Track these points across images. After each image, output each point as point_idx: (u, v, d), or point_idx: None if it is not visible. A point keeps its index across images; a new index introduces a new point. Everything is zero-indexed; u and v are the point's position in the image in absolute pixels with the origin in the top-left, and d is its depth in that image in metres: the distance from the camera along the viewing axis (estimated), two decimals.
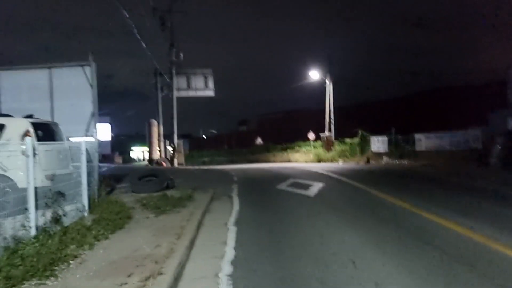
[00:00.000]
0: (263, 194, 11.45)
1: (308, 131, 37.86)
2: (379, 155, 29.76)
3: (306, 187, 12.22)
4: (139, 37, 26.92)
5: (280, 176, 16.74)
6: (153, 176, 10.86)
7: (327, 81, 35.22)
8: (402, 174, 17.82)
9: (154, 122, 33.68)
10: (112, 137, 59.76)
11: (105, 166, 24.98)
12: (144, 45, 27.59)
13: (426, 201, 9.14)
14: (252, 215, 8.39)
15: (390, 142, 29.28)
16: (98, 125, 37.37)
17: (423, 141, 26.02)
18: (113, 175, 15.12)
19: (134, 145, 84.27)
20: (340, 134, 35.01)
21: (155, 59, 33.34)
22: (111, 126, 46.27)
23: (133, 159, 77.80)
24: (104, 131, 44.93)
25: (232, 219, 8.00)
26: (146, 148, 35.39)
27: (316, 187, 12.17)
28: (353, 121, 34.51)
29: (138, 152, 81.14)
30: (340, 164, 28.54)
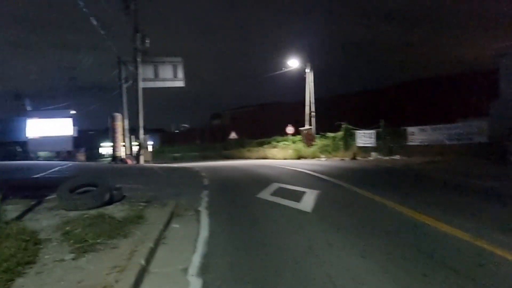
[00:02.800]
0: (242, 207, 8.61)
1: (286, 125, 35.28)
2: (365, 150, 27.37)
3: (297, 196, 9.46)
4: (95, 22, 23.76)
5: (260, 179, 13.94)
6: (91, 186, 7.89)
7: (307, 70, 32.56)
8: (403, 174, 15.26)
9: (118, 115, 30.31)
10: (79, 132, 56.00)
11: (57, 166, 21.69)
12: (101, 31, 24.42)
13: (460, 216, 6.54)
14: (227, 249, 5.57)
15: (377, 136, 26.88)
16: (58, 120, 33.78)
17: (417, 135, 23.65)
18: (51, 181, 12.05)
19: (103, 141, 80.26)
20: (321, 129, 32.52)
21: (118, 47, 30.07)
22: (73, 121, 42.37)
23: (102, 155, 73.90)
24: (64, 126, 41.20)
25: (197, 258, 5.18)
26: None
27: (309, 196, 9.41)
28: (335, 114, 32.03)
29: (108, 148, 77.19)
30: (323, 161, 25.98)
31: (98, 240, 5.56)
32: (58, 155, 45.56)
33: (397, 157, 24.20)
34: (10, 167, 21.78)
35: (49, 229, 6.18)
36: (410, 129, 24.33)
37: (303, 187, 10.92)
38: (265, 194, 9.97)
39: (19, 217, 6.86)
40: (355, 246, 5.36)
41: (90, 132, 72.86)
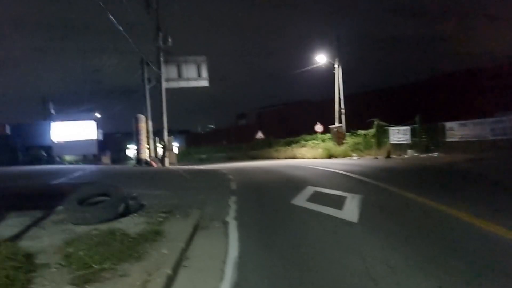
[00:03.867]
0: (276, 218, 7.48)
1: (314, 123, 33.98)
2: (400, 148, 25.88)
3: (337, 202, 8.28)
4: (114, 20, 23.05)
5: (292, 182, 12.81)
6: (103, 195, 6.92)
7: (335, 65, 31.18)
8: (451, 173, 13.85)
9: (142, 117, 29.64)
10: (105, 135, 56.01)
11: (80, 170, 21.09)
12: (121, 29, 23.69)
13: None
14: (262, 274, 4.46)
15: (412, 133, 25.36)
16: (82, 123, 33.40)
17: (456, 130, 22.06)
18: (68, 188, 11.21)
19: (129, 143, 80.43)
20: (352, 126, 31.09)
21: (141, 47, 29.37)
22: (97, 124, 42.05)
23: (129, 157, 74.08)
24: (88, 130, 40.91)
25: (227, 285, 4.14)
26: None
27: (352, 202, 8.21)
28: (366, 111, 30.56)
29: (134, 151, 77.36)
30: (356, 160, 24.62)
31: (105, 265, 4.54)
32: (85, 159, 45.49)
33: (435, 154, 22.70)
34: (32, 172, 21.30)
35: (50, 250, 5.20)
36: (449, 124, 22.76)
37: (342, 191, 9.72)
38: (301, 200, 8.82)
39: (19, 235, 5.92)
40: (425, 271, 4.18)
41: (117, 135, 72.98)
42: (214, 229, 6.76)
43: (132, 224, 6.48)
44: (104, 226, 6.26)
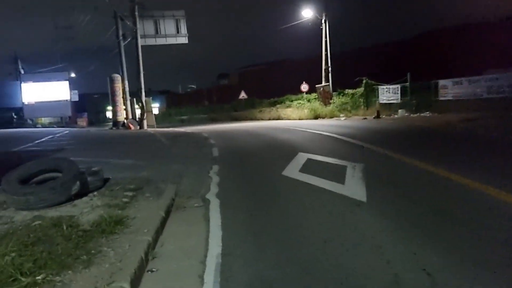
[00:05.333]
0: (265, 195, 6.24)
1: (299, 83, 32.58)
2: (389, 107, 24.82)
3: (337, 173, 7.10)
4: None
5: (281, 147, 11.62)
6: (53, 172, 5.60)
7: (322, 20, 29.51)
8: (450, 135, 12.80)
9: (117, 77, 27.85)
10: (82, 95, 53.80)
11: (50, 134, 19.51)
12: None
13: None
14: (253, 283, 3.29)
15: (402, 92, 24.23)
16: (54, 84, 31.41)
17: (450, 89, 20.96)
18: (28, 157, 9.82)
19: (108, 105, 78.04)
20: (338, 85, 29.78)
21: (115, 1, 27.23)
22: (71, 84, 39.85)
23: (108, 119, 72.03)
24: (61, 90, 38.75)
25: None
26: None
27: (353, 173, 7.04)
28: (354, 70, 29.20)
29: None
30: (343, 121, 23.53)
31: (38, 277, 3.30)
32: (62, 121, 43.61)
33: (427, 114, 21.70)
34: None
35: None
36: (442, 82, 21.63)
37: (339, 158, 8.55)
38: (293, 171, 7.62)
39: None
40: (478, 279, 3.04)
41: (95, 96, 70.49)
42: (192, 210, 5.56)
43: (88, 208, 5.20)
44: (51, 212, 4.98)
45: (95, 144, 14.98)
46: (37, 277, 3.30)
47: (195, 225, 4.89)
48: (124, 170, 8.25)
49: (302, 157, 9.05)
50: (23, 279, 3.26)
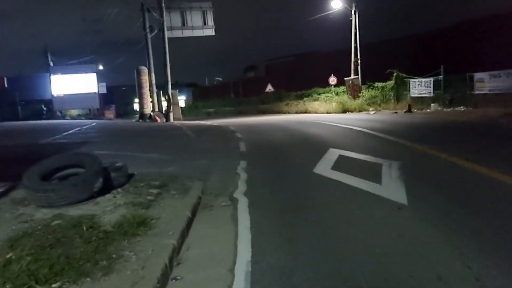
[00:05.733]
0: (296, 194, 5.84)
1: (327, 75, 31.93)
2: (421, 101, 24.01)
3: (372, 171, 6.68)
4: None
5: (310, 141, 11.21)
6: (76, 167, 5.38)
7: (352, 10, 28.75)
8: (496, 131, 12.11)
9: (144, 69, 27.83)
10: (111, 88, 54.38)
11: (78, 126, 19.59)
12: None
13: None
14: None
15: (435, 85, 23.38)
16: (82, 76, 31.76)
17: (487, 82, 20.04)
18: (55, 149, 9.73)
19: (136, 97, 78.65)
20: (368, 78, 29.03)
21: None
22: (99, 76, 40.18)
23: (136, 111, 72.76)
24: (89, 83, 39.10)
25: None
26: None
27: (390, 172, 6.59)
28: (383, 62, 28.35)
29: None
30: (373, 115, 22.88)
31: (54, 285, 3.04)
32: (90, 113, 44.15)
33: (461, 108, 20.85)
34: (27, 128, 19.85)
35: None
36: (478, 75, 20.71)
37: (372, 155, 8.09)
38: (325, 168, 7.22)
39: None
40: None
41: (123, 88, 71.11)
42: (219, 210, 5.25)
43: (111, 207, 4.95)
44: (72, 211, 4.75)
45: (121, 137, 14.88)
46: (53, 285, 3.04)
47: (222, 227, 4.57)
48: (149, 165, 8.02)
49: (333, 153, 8.63)
50: (38, 287, 3.00)
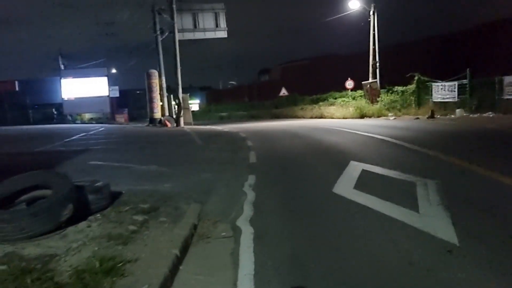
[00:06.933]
0: (314, 222, 4.78)
1: (344, 79, 30.71)
2: (444, 106, 22.70)
3: (404, 193, 5.56)
4: None
5: (329, 152, 10.11)
6: (40, 188, 4.36)
7: (371, 11, 27.57)
8: None
9: (154, 72, 27.03)
10: (123, 91, 53.87)
11: (84, 132, 18.77)
12: None
13: None
14: None
15: (459, 89, 22.06)
16: (93, 80, 31.13)
17: None
18: (48, 159, 8.82)
19: None
20: (387, 82, 27.77)
21: None
22: (110, 80, 39.55)
23: None
24: (100, 86, 38.46)
25: None
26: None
27: (427, 194, 5.45)
28: (403, 65, 27.09)
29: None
30: (393, 120, 21.66)
31: None
32: (103, 117, 43.60)
33: (489, 114, 19.51)
34: (29, 133, 19.09)
35: None
36: (509, 78, 19.35)
37: (401, 171, 6.94)
38: (347, 187, 6.10)
39: None
40: None
41: (137, 92, 70.62)
42: (217, 244, 4.21)
43: (80, 242, 3.91)
44: (29, 248, 3.73)
45: (123, 144, 13.96)
46: None
47: (218, 273, 3.52)
48: (143, 180, 7.02)
49: (355, 168, 7.52)
50: None
